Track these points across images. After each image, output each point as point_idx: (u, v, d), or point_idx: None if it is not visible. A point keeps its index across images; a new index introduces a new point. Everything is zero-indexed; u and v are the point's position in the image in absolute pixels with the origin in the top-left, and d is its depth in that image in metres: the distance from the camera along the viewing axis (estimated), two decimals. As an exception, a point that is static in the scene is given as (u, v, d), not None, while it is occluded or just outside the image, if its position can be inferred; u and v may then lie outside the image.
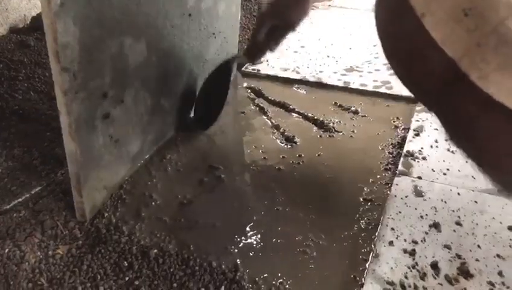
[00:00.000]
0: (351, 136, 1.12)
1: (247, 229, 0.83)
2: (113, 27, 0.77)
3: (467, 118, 0.40)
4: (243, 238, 0.81)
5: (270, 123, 1.16)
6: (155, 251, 0.78)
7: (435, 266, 0.74)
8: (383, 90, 1.30)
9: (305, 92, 1.33)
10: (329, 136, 1.11)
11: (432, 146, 1.03)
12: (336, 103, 1.26)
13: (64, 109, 0.72)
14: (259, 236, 0.81)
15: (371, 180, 0.96)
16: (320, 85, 1.35)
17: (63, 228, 0.82)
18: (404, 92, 1.25)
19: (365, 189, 0.93)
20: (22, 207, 0.86)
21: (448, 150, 1.02)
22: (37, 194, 0.89)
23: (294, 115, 1.21)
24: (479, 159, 0.47)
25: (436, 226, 0.81)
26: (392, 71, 1.40)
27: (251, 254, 0.78)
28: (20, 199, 0.88)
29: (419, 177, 0.93)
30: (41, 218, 0.83)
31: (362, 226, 0.84)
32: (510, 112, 0.34)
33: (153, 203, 0.88)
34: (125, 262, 0.76)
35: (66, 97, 0.70)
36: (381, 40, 0.44)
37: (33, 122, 1.10)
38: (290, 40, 1.62)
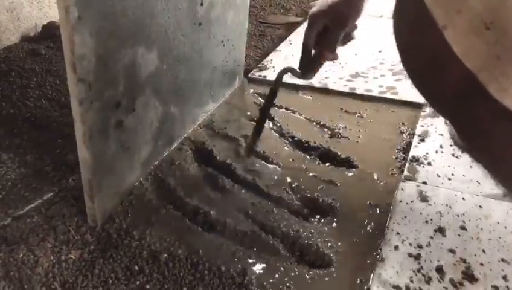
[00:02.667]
0: (357, 141, 1.13)
1: (257, 233, 0.84)
2: (127, 38, 0.79)
3: (483, 129, 0.40)
4: (251, 243, 0.83)
5: (277, 128, 1.18)
6: (165, 255, 0.79)
7: (439, 270, 0.75)
8: (388, 95, 1.32)
9: (311, 98, 1.35)
10: (335, 141, 1.13)
11: (437, 151, 1.04)
12: (341, 108, 1.28)
13: (79, 118, 0.74)
14: (267, 240, 0.83)
15: (376, 185, 0.97)
16: (326, 91, 1.36)
17: (75, 233, 0.84)
18: (409, 97, 1.27)
19: (371, 194, 0.95)
20: (35, 213, 0.88)
21: (453, 155, 1.03)
22: (50, 200, 0.91)
23: (301, 120, 1.22)
24: (494, 168, 0.47)
25: (441, 230, 0.82)
26: (397, 77, 1.41)
27: (259, 258, 0.79)
28: (32, 205, 0.90)
29: (425, 183, 0.94)
30: (54, 223, 0.85)
31: (368, 230, 0.86)
32: None
33: (163, 208, 0.90)
34: (136, 266, 0.78)
35: (81, 107, 0.73)
36: (399, 50, 0.44)
37: (45, 129, 1.12)
38: (296, 46, 1.64)
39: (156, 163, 1.01)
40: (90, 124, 0.76)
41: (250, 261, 0.79)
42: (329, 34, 0.90)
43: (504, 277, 0.73)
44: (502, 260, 0.77)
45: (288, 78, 1.41)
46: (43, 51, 1.45)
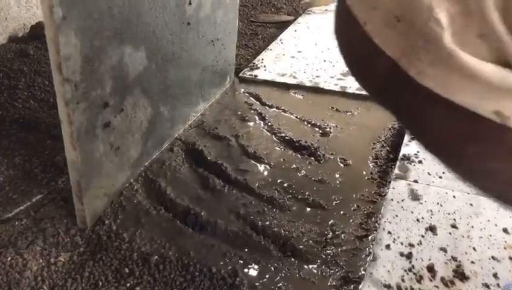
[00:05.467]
0: (348, 139, 1.13)
1: (248, 234, 0.84)
2: (114, 37, 0.78)
3: (416, 112, 0.44)
4: (242, 243, 0.82)
5: (268, 128, 1.17)
6: (155, 257, 0.79)
7: (431, 268, 0.75)
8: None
9: (302, 97, 1.34)
10: (326, 140, 1.12)
11: (427, 149, 1.04)
12: (332, 107, 1.28)
13: (66, 118, 0.73)
14: (258, 240, 0.82)
15: (367, 183, 0.97)
16: (317, 90, 1.36)
17: (64, 236, 0.83)
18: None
19: (362, 192, 0.95)
20: (24, 215, 0.87)
21: (444, 153, 1.03)
22: (38, 202, 0.90)
23: (292, 119, 1.22)
24: (438, 152, 0.50)
25: (432, 229, 0.82)
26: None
27: (250, 259, 0.79)
28: (21, 207, 0.89)
29: (416, 181, 0.94)
30: (43, 226, 0.84)
31: (360, 229, 0.85)
32: (449, 102, 0.38)
33: (153, 209, 0.90)
34: (126, 269, 0.77)
35: (68, 107, 0.72)
36: (339, 48, 0.50)
37: (33, 130, 1.11)
38: (287, 45, 1.64)
39: (146, 164, 1.00)
40: (78, 124, 0.75)
41: (241, 262, 0.79)
42: None
43: (495, 275, 0.74)
44: (493, 257, 0.77)
45: (278, 78, 1.41)
46: (31, 51, 1.44)
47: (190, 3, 1.00)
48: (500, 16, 0.36)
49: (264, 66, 1.48)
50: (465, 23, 0.37)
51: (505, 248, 0.78)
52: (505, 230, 0.82)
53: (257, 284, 0.74)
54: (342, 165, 1.04)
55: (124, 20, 0.80)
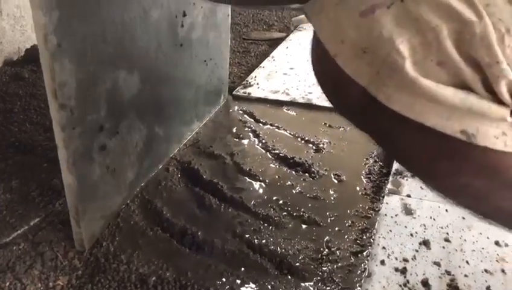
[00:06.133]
0: (341, 155, 1.15)
1: (244, 252, 0.85)
2: (108, 62, 0.80)
3: (390, 135, 0.48)
4: (239, 262, 0.83)
5: (262, 145, 1.19)
6: (153, 278, 0.79)
7: (425, 283, 0.76)
8: (371, 109, 1.33)
9: (295, 114, 1.36)
10: (320, 156, 1.14)
11: (419, 164, 1.06)
12: (325, 123, 1.29)
13: (62, 143, 0.74)
14: (255, 259, 0.83)
15: (362, 199, 0.99)
16: (309, 106, 1.38)
17: (62, 259, 0.83)
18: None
19: (356, 208, 0.96)
20: (22, 239, 0.87)
21: (436, 167, 1.05)
22: (36, 226, 0.91)
23: (286, 136, 1.24)
24: (415, 171, 0.54)
25: (425, 243, 0.84)
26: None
27: (247, 278, 0.80)
28: (19, 231, 0.89)
29: (408, 195, 0.96)
30: (41, 249, 0.85)
31: (355, 245, 0.87)
32: (419, 124, 0.42)
33: (150, 230, 0.90)
34: (125, 291, 0.77)
35: (64, 132, 0.73)
36: (316, 79, 0.53)
37: (30, 153, 1.12)
38: (279, 62, 1.66)
39: (142, 184, 1.01)
40: (74, 149, 0.76)
41: (238, 281, 0.79)
42: None
43: (488, 288, 0.75)
44: (485, 270, 0.78)
45: (271, 95, 1.43)
46: (26, 74, 1.45)
47: (182, 26, 1.02)
48: (453, 46, 0.40)
49: (257, 84, 1.50)
50: (425, 53, 0.41)
51: (497, 261, 0.80)
52: (497, 243, 0.83)
53: (255, 303, 0.75)
54: (335, 181, 1.06)
55: (117, 45, 0.81)
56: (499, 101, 0.40)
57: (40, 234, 0.89)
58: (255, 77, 1.55)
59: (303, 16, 2.05)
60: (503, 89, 0.40)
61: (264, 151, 1.17)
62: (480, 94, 0.40)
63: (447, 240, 0.84)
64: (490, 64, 0.40)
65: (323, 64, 0.48)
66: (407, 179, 1.01)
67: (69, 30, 0.69)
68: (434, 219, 0.89)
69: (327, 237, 0.89)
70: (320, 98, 1.41)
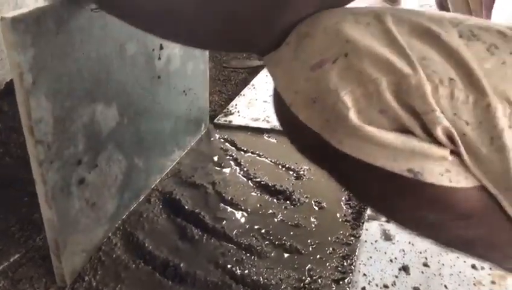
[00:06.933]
0: (321, 181, 1.16)
1: (227, 283, 0.85)
2: (85, 97, 0.81)
3: (346, 175, 0.51)
4: (221, 293, 0.83)
5: (244, 173, 1.20)
6: (136, 313, 0.79)
7: (405, 309, 0.77)
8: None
9: (275, 141, 1.38)
10: (301, 183, 1.15)
11: (398, 188, 1.08)
12: (306, 150, 1.31)
13: (40, 178, 0.74)
14: (239, 289, 0.84)
15: (342, 226, 1.00)
16: (290, 133, 1.39)
17: (43, 296, 0.83)
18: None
19: (337, 235, 0.97)
20: (1, 277, 0.86)
21: (414, 191, 1.07)
22: (16, 262, 0.90)
23: (267, 163, 1.25)
24: (374, 208, 0.60)
25: (405, 269, 0.85)
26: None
27: (230, 309, 0.80)
28: (-2, 268, 0.88)
29: (387, 221, 0.97)
30: (21, 287, 0.84)
31: (336, 273, 0.87)
32: (370, 165, 0.45)
33: (132, 263, 0.90)
34: (106, 327, 0.77)
35: (42, 168, 0.73)
36: (277, 121, 0.57)
37: (9, 187, 1.11)
38: (259, 90, 1.69)
39: (123, 217, 1.01)
40: (52, 183, 0.76)
41: (221, 313, 0.80)
42: None
43: (466, 312, 0.76)
44: (464, 294, 0.79)
45: (252, 122, 1.45)
46: (6, 108, 1.45)
47: (159, 58, 1.04)
48: (392, 96, 0.44)
49: (238, 112, 1.51)
50: (367, 102, 0.45)
51: (474, 284, 0.81)
52: (474, 266, 0.85)
53: (237, 334, 0.75)
54: (316, 208, 1.07)
55: (94, 80, 0.82)
56: (439, 143, 0.44)
57: (20, 270, 0.88)
58: (236, 105, 1.57)
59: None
60: (439, 133, 0.43)
61: (245, 180, 1.18)
62: (420, 137, 0.44)
63: (425, 264, 0.86)
64: (426, 112, 0.43)
65: (282, 112, 0.52)
66: (386, 204, 1.02)
67: (45, 68, 0.70)
68: (412, 244, 0.91)
69: (309, 265, 0.90)
70: (300, 125, 1.42)
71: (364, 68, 0.45)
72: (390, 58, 0.45)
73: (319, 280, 0.86)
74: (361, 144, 0.45)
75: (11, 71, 0.66)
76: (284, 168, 1.23)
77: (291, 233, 0.98)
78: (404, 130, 0.45)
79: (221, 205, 1.08)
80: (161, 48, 1.03)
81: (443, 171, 0.44)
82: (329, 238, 0.96)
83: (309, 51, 0.49)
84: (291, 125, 0.52)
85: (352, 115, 0.44)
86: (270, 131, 1.41)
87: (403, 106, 0.44)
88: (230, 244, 0.95)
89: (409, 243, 0.91)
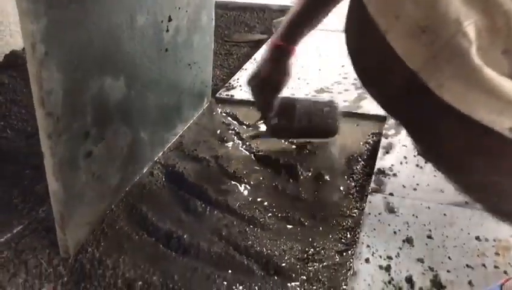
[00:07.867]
0: (324, 156, 1.16)
1: (230, 254, 0.85)
2: (94, 69, 0.80)
3: (428, 124, 0.44)
4: (226, 265, 0.84)
5: (246, 147, 1.19)
6: (140, 283, 0.79)
7: (409, 280, 0.77)
8: (352, 110, 1.35)
9: (278, 115, 1.37)
10: (303, 157, 1.15)
11: (401, 162, 1.08)
12: (308, 124, 1.30)
13: (49, 151, 0.74)
14: (241, 261, 0.84)
15: (345, 198, 1.00)
16: (292, 107, 1.39)
17: (47, 266, 0.83)
18: (373, 111, 1.31)
19: (340, 208, 0.97)
20: (5, 247, 0.86)
21: (417, 165, 1.07)
22: (19, 233, 0.90)
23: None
24: (444, 164, 0.51)
25: (409, 240, 0.85)
26: (361, 91, 1.46)
27: (234, 280, 0.80)
28: (1, 240, 0.88)
29: (391, 194, 0.97)
30: (25, 257, 0.84)
31: (340, 244, 0.88)
32: (463, 115, 0.39)
33: (135, 235, 0.90)
34: (112, 296, 0.77)
35: (50, 140, 0.73)
36: (350, 56, 0.48)
37: (11, 160, 1.10)
38: (262, 64, 1.67)
39: (127, 189, 1.01)
40: (60, 156, 0.76)
41: (225, 283, 0.80)
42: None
43: (469, 282, 0.76)
44: (467, 265, 0.80)
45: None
46: (6, 80, 1.43)
47: (167, 30, 1.02)
48: None
49: (240, 86, 1.50)
50: (491, 39, 0.37)
51: (478, 256, 0.81)
52: (477, 238, 0.85)
53: (242, 304, 0.76)
54: (319, 181, 1.07)
55: (104, 51, 0.81)
56: None
57: (23, 241, 0.88)
58: (238, 79, 1.56)
59: (284, 18, 2.06)
60: None
61: (248, 154, 1.18)
62: None
63: (429, 237, 0.86)
64: None
65: (366, 39, 0.44)
66: (389, 178, 1.02)
67: (57, 38, 0.69)
68: (416, 217, 0.91)
69: (312, 237, 0.90)
70: (302, 100, 1.41)
71: None
72: None
73: (323, 251, 0.86)
74: (466, 90, 0.38)
75: (24, 41, 0.65)
76: (286, 142, 1.22)
77: (294, 206, 0.98)
78: None
79: (224, 178, 1.08)
80: (170, 19, 1.01)
81: None
82: (333, 211, 0.96)
83: None
84: (376, 57, 0.44)
85: (474, 52, 0.37)
86: (273, 105, 1.40)
87: None
88: (233, 217, 0.95)
89: (413, 215, 0.91)
